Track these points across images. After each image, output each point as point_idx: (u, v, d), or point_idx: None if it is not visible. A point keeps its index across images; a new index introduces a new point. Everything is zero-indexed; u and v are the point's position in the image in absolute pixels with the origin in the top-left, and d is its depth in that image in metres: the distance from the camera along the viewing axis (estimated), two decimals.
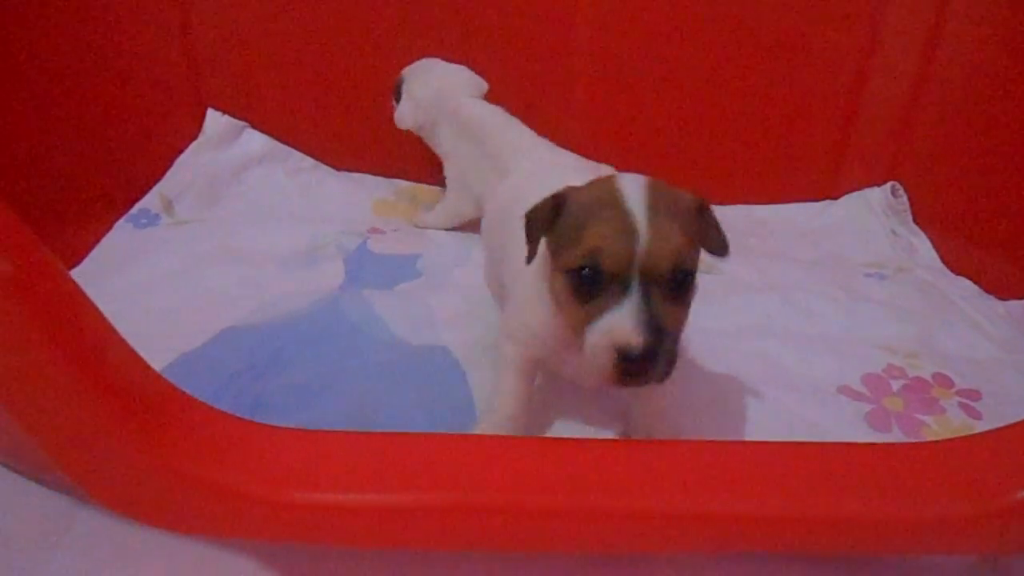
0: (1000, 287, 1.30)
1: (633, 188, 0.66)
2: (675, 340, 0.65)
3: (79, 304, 0.54)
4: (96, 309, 0.56)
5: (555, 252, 0.70)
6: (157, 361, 0.93)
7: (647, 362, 0.62)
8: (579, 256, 0.65)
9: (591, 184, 0.70)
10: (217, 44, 1.50)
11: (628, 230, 0.63)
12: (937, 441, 0.62)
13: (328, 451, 0.57)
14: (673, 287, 0.65)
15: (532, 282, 0.78)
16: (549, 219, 0.69)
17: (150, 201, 1.36)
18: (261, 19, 1.49)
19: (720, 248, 0.71)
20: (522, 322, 0.81)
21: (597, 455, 0.62)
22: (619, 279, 0.64)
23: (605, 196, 0.66)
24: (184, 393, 0.58)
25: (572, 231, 0.66)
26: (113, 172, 1.38)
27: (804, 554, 0.71)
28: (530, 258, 0.72)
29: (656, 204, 0.65)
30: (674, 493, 0.57)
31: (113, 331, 0.57)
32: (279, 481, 0.52)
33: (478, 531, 0.57)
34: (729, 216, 1.17)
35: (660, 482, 0.58)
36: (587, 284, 0.65)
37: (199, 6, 1.47)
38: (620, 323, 0.62)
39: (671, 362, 0.64)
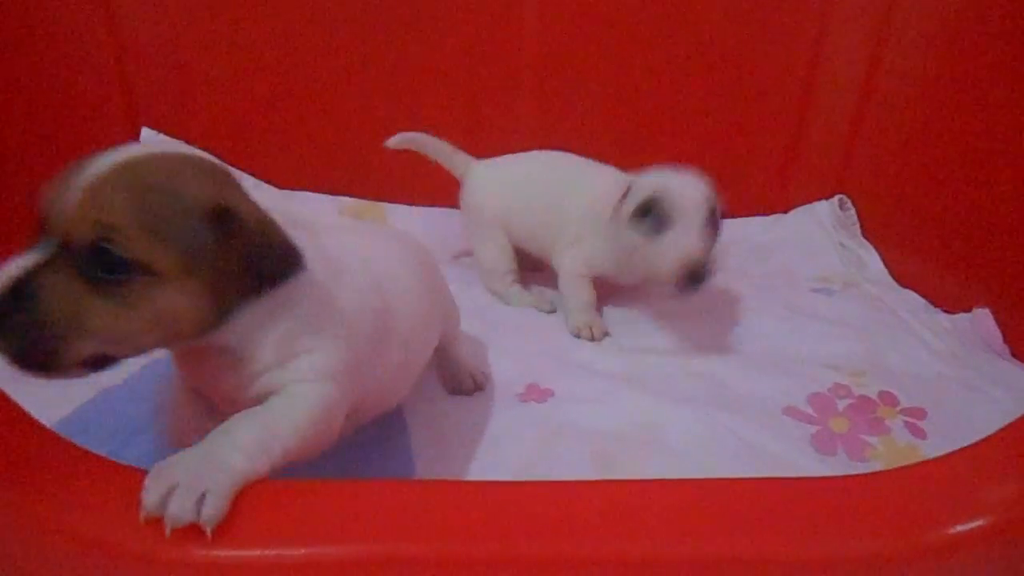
0: (946, 300, 1.30)
1: (128, 151, 0.57)
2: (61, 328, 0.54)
3: None
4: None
5: None
6: (78, 397, 0.90)
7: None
8: None
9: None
10: (151, 61, 1.46)
11: (61, 187, 0.54)
12: (874, 473, 0.60)
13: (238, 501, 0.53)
14: (92, 265, 0.54)
15: None
16: None
17: None
18: (196, 36, 1.46)
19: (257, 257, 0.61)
20: None
21: (530, 497, 0.59)
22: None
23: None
24: (66, 441, 0.54)
25: None
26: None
27: None
28: None
29: (118, 169, 0.55)
30: (598, 537, 0.54)
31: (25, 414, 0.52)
32: (176, 535, 0.48)
33: None
34: None
35: (585, 525, 0.56)
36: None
37: (131, 24, 1.43)
38: None
39: (52, 357, 0.53)
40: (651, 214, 1.04)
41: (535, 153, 1.36)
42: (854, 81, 1.46)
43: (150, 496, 0.49)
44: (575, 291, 1.22)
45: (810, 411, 0.99)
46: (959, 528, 0.54)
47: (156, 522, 0.49)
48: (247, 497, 0.53)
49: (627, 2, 1.46)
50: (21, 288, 0.52)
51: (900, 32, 1.40)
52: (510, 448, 0.88)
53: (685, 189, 1.05)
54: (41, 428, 0.54)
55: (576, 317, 1.19)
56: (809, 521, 0.55)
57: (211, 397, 0.70)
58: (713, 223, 1.06)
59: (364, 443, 0.88)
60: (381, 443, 0.89)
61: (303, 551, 0.52)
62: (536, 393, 1.00)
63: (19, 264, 0.52)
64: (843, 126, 1.49)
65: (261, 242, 0.60)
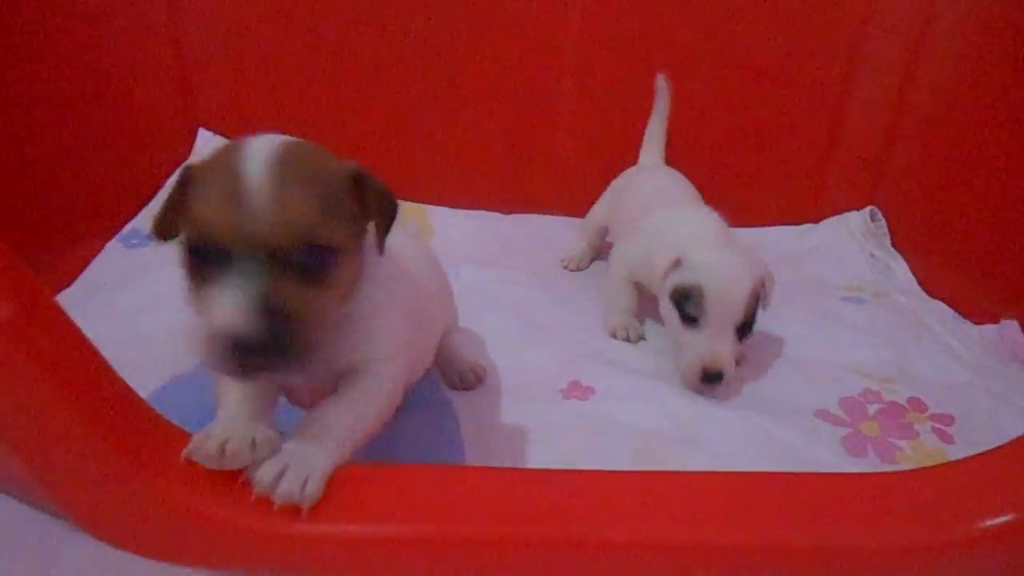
0: (975, 311, 1.33)
1: (260, 150, 0.57)
2: (303, 323, 0.55)
3: (75, 341, 0.56)
4: (91, 346, 0.58)
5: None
6: (148, 384, 0.96)
7: (259, 351, 0.53)
8: (193, 232, 0.56)
9: (219, 152, 0.60)
10: (208, 64, 1.52)
11: (241, 199, 0.54)
12: (905, 471, 0.64)
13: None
14: (302, 266, 0.56)
15: None
16: (175, 195, 0.59)
17: (141, 221, 1.38)
18: (253, 39, 1.52)
19: (356, 220, 0.62)
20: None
21: (573, 485, 0.64)
22: (236, 257, 0.54)
23: (227, 163, 0.56)
24: (175, 425, 0.60)
25: (191, 203, 0.56)
26: (104, 192, 1.39)
27: None
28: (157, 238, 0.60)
29: (288, 171, 0.56)
30: (643, 522, 0.59)
31: (107, 366, 0.58)
32: (271, 511, 0.54)
33: (462, 563, 0.59)
34: None
35: (631, 511, 0.60)
36: (204, 262, 0.56)
37: (191, 27, 1.49)
38: (222, 307, 0.52)
39: (302, 348, 0.55)
40: (687, 302, 1.05)
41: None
42: (888, 95, 1.49)
43: (265, 476, 0.54)
44: (615, 293, 1.25)
45: (841, 414, 1.03)
46: (988, 523, 0.58)
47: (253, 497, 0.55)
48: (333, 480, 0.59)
49: (665, 15, 1.50)
50: (269, 310, 0.53)
51: (934, 48, 1.43)
52: (554, 442, 0.93)
53: (728, 286, 1.03)
54: (152, 411, 0.59)
55: (613, 319, 1.23)
56: (842, 514, 0.60)
57: None
58: (749, 315, 1.05)
59: (417, 434, 0.94)
60: (434, 435, 0.94)
61: (382, 529, 0.57)
62: (578, 390, 1.05)
63: (252, 289, 0.53)
64: (876, 139, 1.52)
65: (385, 200, 0.63)
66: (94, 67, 1.40)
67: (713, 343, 1.03)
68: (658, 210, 1.24)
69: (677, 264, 1.08)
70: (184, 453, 0.55)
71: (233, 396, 0.64)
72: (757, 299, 1.07)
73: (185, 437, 0.56)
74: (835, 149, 1.56)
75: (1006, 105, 1.31)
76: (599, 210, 1.47)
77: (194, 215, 0.55)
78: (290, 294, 0.55)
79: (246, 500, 0.54)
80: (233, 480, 0.55)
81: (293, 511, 0.55)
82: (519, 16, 1.51)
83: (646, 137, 1.49)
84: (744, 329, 1.05)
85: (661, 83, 1.44)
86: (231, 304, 0.52)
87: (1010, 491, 0.59)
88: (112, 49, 1.43)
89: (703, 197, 1.35)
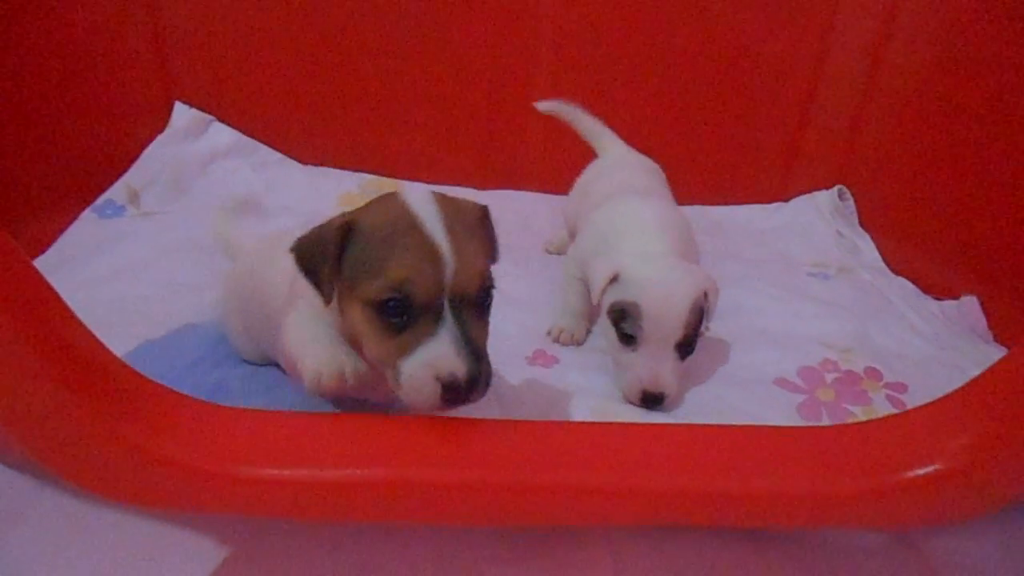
0: (936, 287, 1.36)
1: (428, 208, 0.64)
2: (487, 357, 0.65)
3: (40, 290, 0.58)
4: (56, 295, 0.59)
5: (351, 283, 0.65)
6: (119, 348, 0.96)
7: (472, 387, 0.61)
8: (384, 288, 0.62)
9: (379, 207, 0.67)
10: (186, 37, 1.53)
11: (434, 256, 0.62)
12: (840, 425, 0.67)
13: (276, 429, 0.61)
14: (477, 304, 0.65)
15: None
16: (337, 250, 0.65)
17: (116, 192, 1.39)
18: (230, 13, 1.52)
19: (495, 255, 0.72)
20: None
21: (536, 433, 0.67)
22: (430, 307, 0.62)
23: (400, 219, 0.64)
24: (139, 374, 0.61)
25: (371, 261, 0.63)
26: (79, 163, 1.40)
27: (715, 527, 0.77)
28: (327, 299, 0.66)
29: (453, 224, 0.64)
30: (599, 469, 0.62)
31: (72, 315, 0.60)
32: (228, 456, 0.56)
33: (416, 505, 0.61)
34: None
35: (589, 460, 0.63)
36: (397, 315, 0.63)
37: (168, 1, 1.49)
38: (441, 353, 0.61)
39: (488, 379, 0.64)
40: (625, 321, 0.98)
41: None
42: (858, 75, 1.52)
43: None
44: (564, 292, 1.19)
45: (799, 382, 1.06)
46: (917, 472, 0.61)
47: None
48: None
49: None
50: (474, 351, 0.62)
51: (904, 29, 1.45)
52: (521, 403, 0.96)
53: (668, 303, 0.96)
54: (107, 352, 0.61)
55: (556, 319, 1.17)
56: (780, 464, 0.63)
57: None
58: (690, 332, 0.97)
59: None
60: None
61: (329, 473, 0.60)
62: (543, 359, 1.08)
63: (461, 335, 0.62)
64: (845, 119, 1.55)
65: (492, 228, 0.73)
66: (70, 39, 1.41)
67: (653, 363, 0.96)
68: (604, 204, 1.17)
69: (615, 279, 1.00)
70: (309, 380, 0.64)
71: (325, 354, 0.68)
72: (701, 314, 0.99)
73: (143, 382, 0.58)
74: (805, 129, 1.58)
75: (974, 86, 1.34)
76: (569, 202, 1.39)
77: (391, 274, 0.62)
78: (478, 334, 0.65)
79: (200, 444, 0.56)
80: (188, 425, 0.57)
81: (246, 455, 0.57)
82: None
83: (590, 138, 1.41)
84: (685, 347, 0.98)
85: (557, 109, 1.40)
86: (453, 350, 0.61)
87: (936, 444, 0.61)
88: (88, 21, 1.43)
89: (667, 184, 1.33)
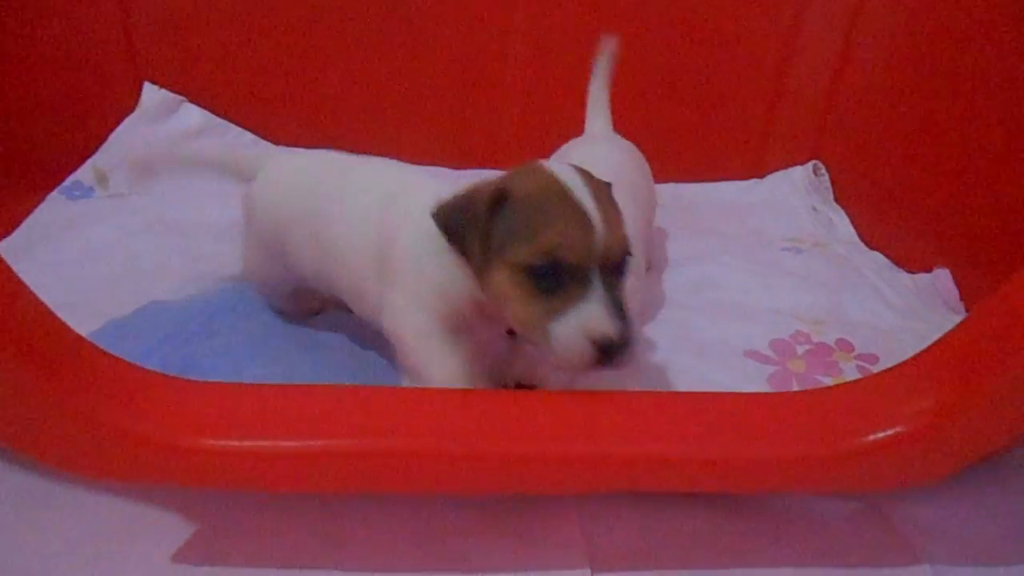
0: (909, 261, 1.37)
1: (574, 179, 0.69)
2: (633, 320, 0.68)
3: None
4: (7, 268, 0.58)
5: (499, 248, 0.69)
6: (85, 327, 0.97)
7: (625, 347, 0.65)
8: (538, 253, 0.66)
9: (527, 177, 0.70)
10: (154, 17, 1.51)
11: (585, 223, 0.67)
12: (804, 391, 0.67)
13: (234, 401, 0.60)
14: (619, 270, 0.70)
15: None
16: (488, 216, 0.68)
17: (84, 174, 1.37)
18: None
19: None
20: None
21: (504, 403, 0.67)
22: (580, 272, 0.66)
23: (551, 188, 0.68)
24: (96, 346, 0.61)
25: (523, 227, 0.67)
26: (47, 145, 1.39)
27: (682, 493, 0.77)
28: (475, 264, 0.70)
29: (598, 194, 0.68)
30: (561, 437, 0.62)
31: (25, 289, 0.59)
32: (184, 427, 0.56)
33: (375, 474, 0.61)
34: (659, 193, 1.23)
35: (552, 427, 0.63)
36: (547, 279, 0.66)
37: None
38: (594, 315, 0.65)
39: (636, 341, 0.68)
40: None
41: None
42: (832, 51, 1.52)
43: None
44: None
45: (771, 354, 1.06)
46: (878, 435, 0.61)
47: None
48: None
49: None
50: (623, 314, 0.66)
51: (874, 7, 1.46)
52: None
53: None
54: (58, 321, 0.60)
55: None
56: (748, 428, 0.63)
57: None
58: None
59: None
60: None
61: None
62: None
63: (612, 298, 0.66)
64: (819, 96, 1.55)
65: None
66: (36, 20, 1.38)
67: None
68: None
69: None
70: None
71: (455, 367, 0.76)
72: None
73: (97, 353, 0.58)
74: (780, 106, 1.59)
75: (945, 61, 1.34)
76: None
77: (544, 239, 0.66)
78: (623, 297, 0.68)
79: (153, 415, 0.55)
80: (141, 396, 0.57)
81: (199, 427, 0.56)
82: None
83: (589, 103, 1.40)
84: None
85: (608, 44, 1.37)
86: (605, 312, 0.65)
87: (897, 408, 0.62)
88: (55, 2, 1.41)
89: (646, 169, 1.30)
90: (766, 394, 0.67)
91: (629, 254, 0.70)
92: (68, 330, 0.60)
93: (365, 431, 0.59)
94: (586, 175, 0.71)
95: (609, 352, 0.64)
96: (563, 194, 0.67)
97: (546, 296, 0.67)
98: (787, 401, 0.66)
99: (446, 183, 0.84)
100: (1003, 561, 0.74)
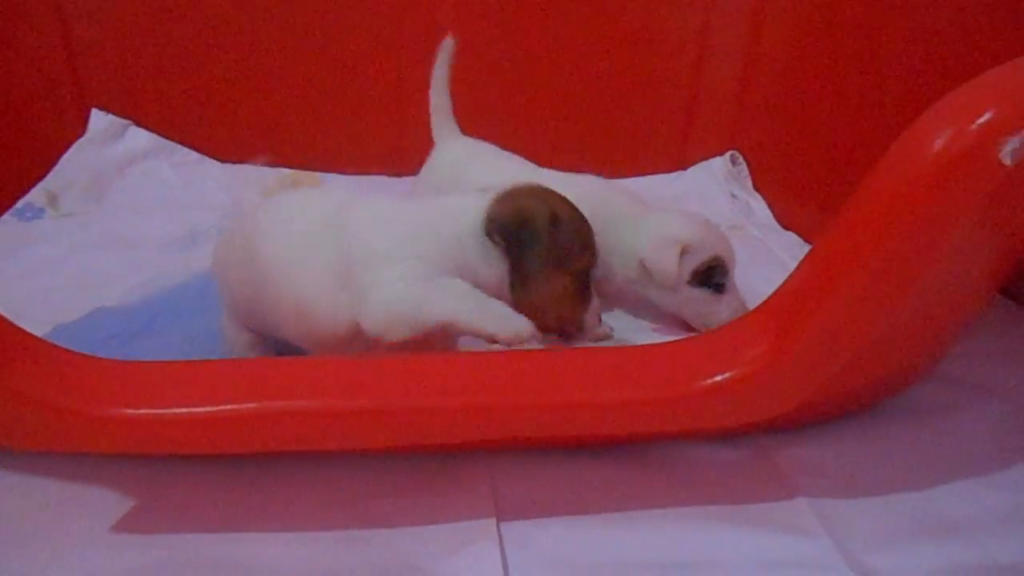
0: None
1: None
2: None
3: None
4: None
5: (557, 258, 0.88)
6: (33, 332, 1.03)
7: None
8: (594, 258, 0.95)
9: (562, 201, 0.92)
10: (98, 44, 1.58)
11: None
12: (658, 344, 0.76)
13: (153, 375, 0.68)
14: None
15: None
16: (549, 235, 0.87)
17: (35, 196, 1.44)
18: (140, 21, 1.58)
19: None
20: None
21: (407, 366, 0.74)
22: None
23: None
24: (22, 329, 0.68)
25: (578, 240, 0.91)
26: None
27: (573, 445, 0.86)
28: (535, 276, 0.88)
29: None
30: (447, 391, 0.70)
31: None
32: (101, 398, 0.63)
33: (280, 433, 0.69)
34: None
35: (440, 383, 0.71)
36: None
37: (78, 5, 1.55)
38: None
39: None
40: (715, 275, 1.12)
41: None
42: (741, 44, 1.62)
43: None
44: None
45: (676, 328, 1.15)
46: (717, 378, 0.70)
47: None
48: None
49: None
50: None
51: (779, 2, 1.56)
52: None
53: (725, 240, 1.16)
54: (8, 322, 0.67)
55: None
56: (605, 376, 0.71)
57: None
58: None
59: None
60: None
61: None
62: None
63: None
64: (733, 87, 1.65)
65: None
66: None
67: (736, 292, 1.17)
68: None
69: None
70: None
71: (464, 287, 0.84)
72: None
73: (20, 332, 0.65)
74: (697, 100, 1.68)
75: (849, 51, 1.43)
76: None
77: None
78: None
79: (75, 388, 0.63)
80: (66, 372, 0.64)
81: (118, 397, 0.64)
82: None
83: (432, 108, 1.35)
84: None
85: (446, 46, 1.30)
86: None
87: (735, 354, 0.70)
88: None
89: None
90: (634, 347, 0.75)
91: None
92: None
93: (264, 395, 0.67)
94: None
95: None
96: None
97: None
98: (648, 351, 0.75)
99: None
100: (875, 493, 0.82)
